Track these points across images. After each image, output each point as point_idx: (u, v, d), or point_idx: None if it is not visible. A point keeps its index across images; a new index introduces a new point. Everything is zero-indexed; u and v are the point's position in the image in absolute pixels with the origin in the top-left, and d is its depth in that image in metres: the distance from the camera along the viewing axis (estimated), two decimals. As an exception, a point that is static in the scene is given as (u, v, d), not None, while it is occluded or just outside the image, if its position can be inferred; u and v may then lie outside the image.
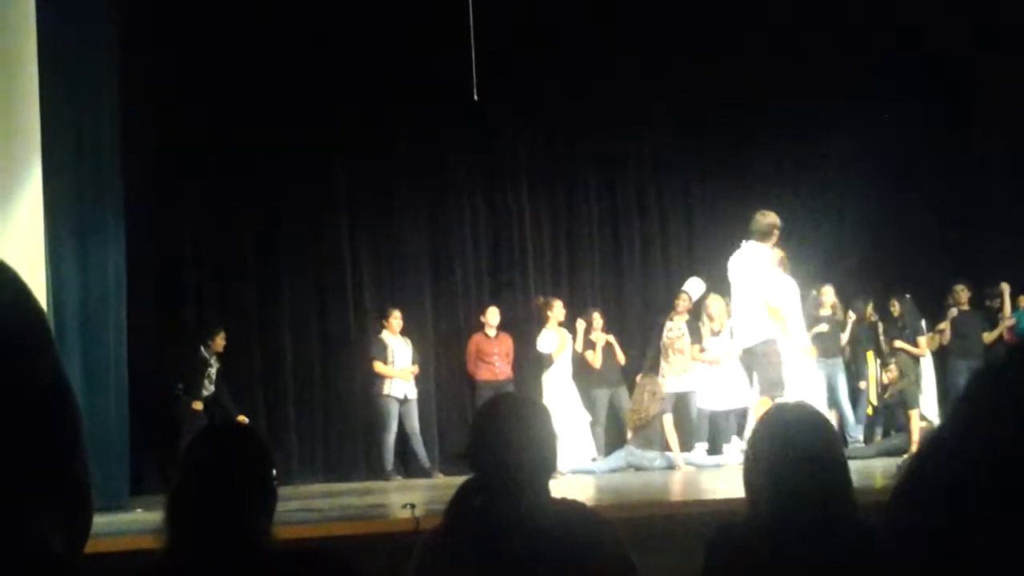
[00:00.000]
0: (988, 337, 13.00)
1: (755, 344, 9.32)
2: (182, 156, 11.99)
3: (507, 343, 12.79)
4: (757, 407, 9.38)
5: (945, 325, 13.07)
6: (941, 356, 13.03)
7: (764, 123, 13.74)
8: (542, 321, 12.51)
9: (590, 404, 12.36)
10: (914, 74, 13.20)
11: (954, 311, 13.10)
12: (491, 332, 12.74)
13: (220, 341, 11.78)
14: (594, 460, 11.90)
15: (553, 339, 12.30)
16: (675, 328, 12.32)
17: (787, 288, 10.13)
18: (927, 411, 12.36)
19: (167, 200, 11.92)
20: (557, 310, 12.41)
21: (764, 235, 9.34)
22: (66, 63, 9.03)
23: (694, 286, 12.46)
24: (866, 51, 13.20)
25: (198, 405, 11.48)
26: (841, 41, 13.14)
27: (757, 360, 9.48)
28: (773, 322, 9.27)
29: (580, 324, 12.56)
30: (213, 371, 11.71)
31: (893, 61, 13.21)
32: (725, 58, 13.08)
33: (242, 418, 11.19)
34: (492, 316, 12.75)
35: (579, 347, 12.48)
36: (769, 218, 9.39)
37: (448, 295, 13.44)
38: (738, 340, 9.84)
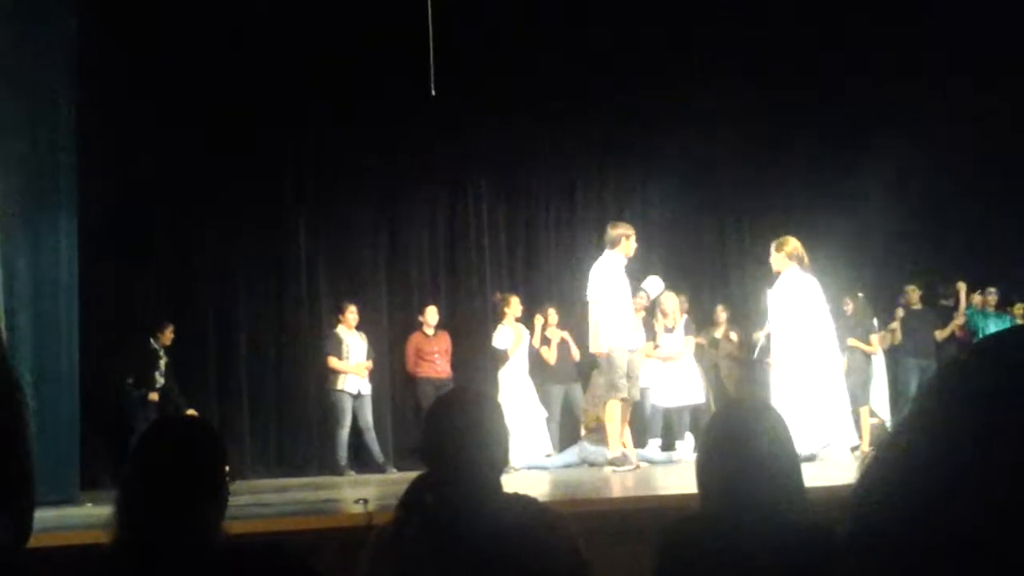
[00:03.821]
0: (940, 335, 13.13)
1: (598, 350, 9.99)
2: (138, 150, 11.89)
3: (446, 341, 12.86)
4: (609, 411, 10.00)
5: (896, 324, 13.20)
6: (893, 355, 13.15)
7: (723, 123, 13.79)
8: (499, 317, 12.53)
9: (545, 400, 12.39)
10: (869, 71, 13.32)
11: (900, 311, 13.24)
12: (429, 331, 12.79)
13: (168, 334, 11.76)
14: (548, 456, 11.92)
15: (509, 335, 12.31)
16: (631, 325, 12.40)
17: (807, 285, 10.22)
18: (879, 409, 12.48)
19: (122, 194, 11.82)
20: (514, 306, 12.43)
21: (614, 244, 10.02)
22: (20, 55, 8.94)
23: (653, 284, 12.49)
24: (818, 48, 13.28)
25: (153, 396, 11.46)
26: (802, 42, 13.23)
27: (601, 365, 10.18)
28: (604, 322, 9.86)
29: (538, 320, 12.59)
30: (162, 364, 11.67)
31: (857, 62, 13.32)
32: (684, 56, 13.14)
33: (191, 411, 11.13)
34: (431, 315, 12.82)
35: (536, 343, 12.51)
36: (618, 228, 10.15)
37: (404, 290, 13.45)
38: (591, 345, 10.29)
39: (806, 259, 10.35)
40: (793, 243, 10.31)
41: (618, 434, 10.02)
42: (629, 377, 9.90)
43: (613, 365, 9.84)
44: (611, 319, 9.83)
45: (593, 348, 10.13)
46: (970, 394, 0.89)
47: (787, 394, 9.85)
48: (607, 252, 10.08)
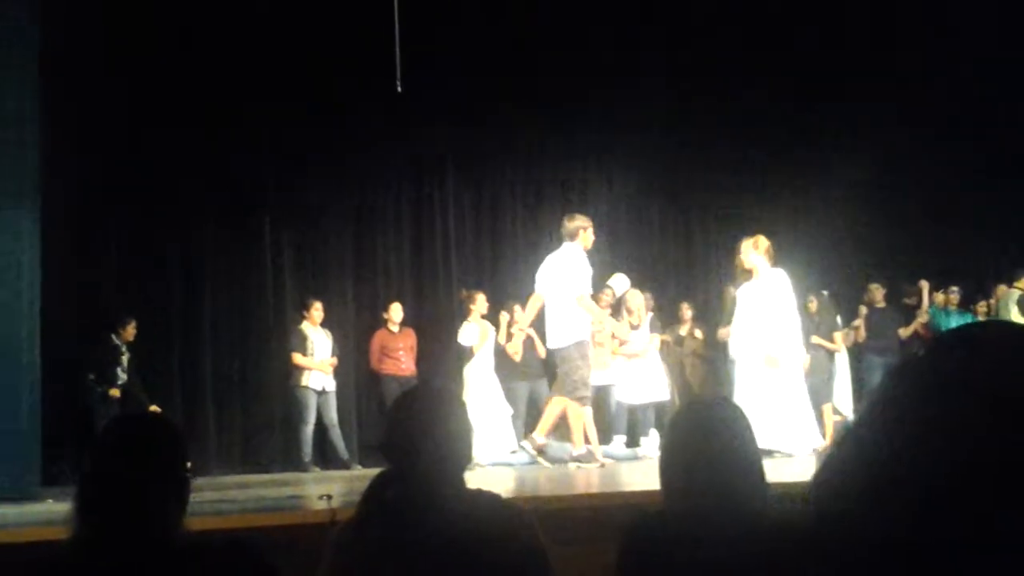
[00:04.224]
0: (904, 333, 13.23)
1: (566, 346, 9.85)
2: (103, 145, 11.78)
3: (411, 338, 12.85)
4: (555, 406, 10.07)
5: (860, 322, 13.28)
6: (856, 352, 13.23)
7: (690, 122, 13.84)
8: (464, 314, 12.51)
9: (510, 397, 12.37)
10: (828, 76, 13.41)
11: (864, 309, 13.33)
12: (394, 328, 12.78)
13: (131, 330, 11.64)
14: (513, 453, 11.91)
15: (475, 332, 12.29)
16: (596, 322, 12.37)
17: (778, 280, 10.24)
18: (842, 406, 12.55)
19: (87, 189, 11.72)
20: (480, 303, 12.41)
21: (572, 237, 10.00)
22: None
23: (619, 282, 12.51)
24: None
25: (115, 392, 11.35)
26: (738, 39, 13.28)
27: (565, 360, 9.95)
28: (586, 313, 9.84)
29: (504, 316, 12.58)
30: (125, 359, 11.57)
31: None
32: (651, 54, 13.15)
33: (154, 408, 11.04)
34: (395, 312, 12.80)
35: (502, 339, 12.49)
36: (576, 221, 10.12)
37: (370, 287, 13.41)
38: (548, 341, 10.30)
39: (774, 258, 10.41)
40: (766, 241, 10.34)
41: (581, 432, 10.04)
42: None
43: (584, 358, 9.83)
44: (573, 312, 9.81)
45: (553, 343, 10.11)
46: (926, 389, 0.89)
47: (756, 391, 9.87)
48: (565, 245, 10.08)
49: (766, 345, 10.12)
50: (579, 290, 9.82)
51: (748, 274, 10.43)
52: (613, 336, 12.11)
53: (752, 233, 10.58)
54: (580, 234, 10.01)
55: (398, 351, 12.70)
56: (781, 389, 10.01)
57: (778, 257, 10.60)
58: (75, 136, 11.12)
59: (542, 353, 12.56)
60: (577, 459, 9.93)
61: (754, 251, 10.31)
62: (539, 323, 12.82)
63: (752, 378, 10.12)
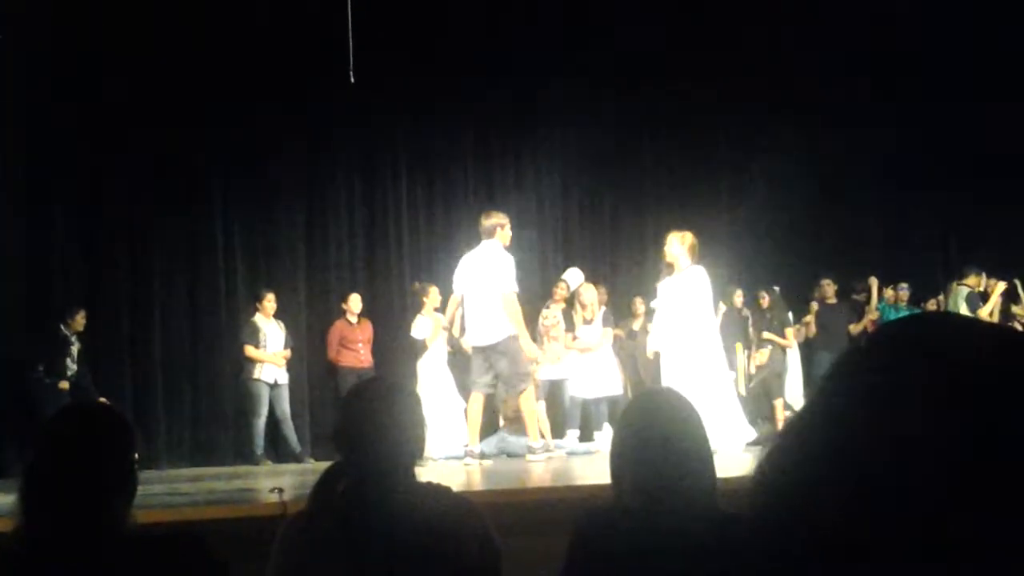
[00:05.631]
0: (854, 329, 13.33)
1: (502, 339, 9.71)
2: (54, 134, 11.66)
3: (368, 330, 12.80)
4: (527, 406, 9.96)
5: (811, 318, 13.37)
6: (808, 348, 13.32)
7: (644, 116, 13.89)
8: (417, 307, 12.47)
9: (464, 390, 12.35)
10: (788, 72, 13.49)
11: (815, 304, 13.42)
12: (353, 319, 12.73)
13: (80, 320, 11.49)
14: (467, 446, 11.89)
15: (428, 325, 12.25)
16: (551, 316, 12.37)
17: (696, 276, 10.21)
18: (794, 402, 12.63)
19: (36, 179, 11.60)
20: (432, 296, 12.37)
21: (490, 234, 9.91)
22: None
23: (573, 276, 12.54)
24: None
25: (64, 385, 11.21)
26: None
27: (506, 354, 9.78)
28: (507, 312, 9.67)
29: (458, 310, 12.55)
30: (74, 350, 11.43)
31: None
32: (607, 51, 13.18)
33: (102, 399, 10.92)
34: (355, 303, 12.74)
35: (456, 332, 12.46)
36: (493, 218, 10.04)
37: (322, 279, 13.34)
38: (475, 338, 10.09)
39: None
40: (692, 238, 10.29)
41: (537, 423, 10.07)
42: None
43: (521, 352, 9.80)
44: (507, 308, 9.74)
45: (489, 339, 9.99)
46: (866, 380, 0.89)
47: (687, 386, 9.85)
48: (484, 242, 9.97)
49: (676, 338, 10.10)
50: (505, 288, 9.71)
51: (671, 268, 10.39)
52: (567, 331, 12.15)
53: (689, 229, 10.58)
54: (498, 231, 9.93)
55: (357, 343, 12.63)
56: (702, 385, 9.92)
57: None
58: (22, 126, 10.99)
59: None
60: (531, 450, 10.01)
61: (679, 245, 10.23)
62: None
63: (673, 373, 10.06)
